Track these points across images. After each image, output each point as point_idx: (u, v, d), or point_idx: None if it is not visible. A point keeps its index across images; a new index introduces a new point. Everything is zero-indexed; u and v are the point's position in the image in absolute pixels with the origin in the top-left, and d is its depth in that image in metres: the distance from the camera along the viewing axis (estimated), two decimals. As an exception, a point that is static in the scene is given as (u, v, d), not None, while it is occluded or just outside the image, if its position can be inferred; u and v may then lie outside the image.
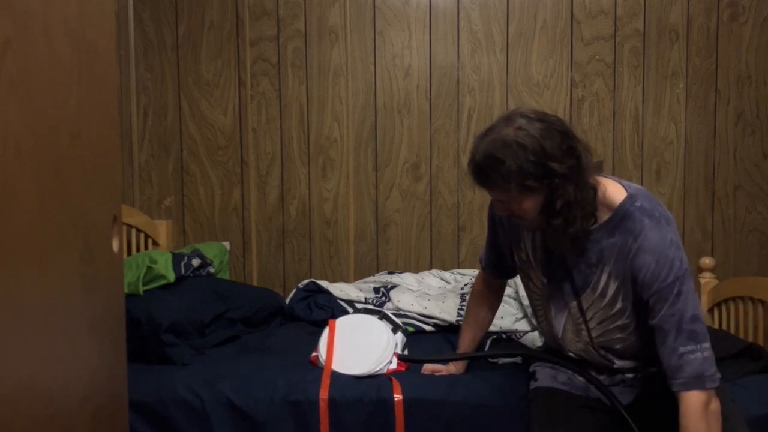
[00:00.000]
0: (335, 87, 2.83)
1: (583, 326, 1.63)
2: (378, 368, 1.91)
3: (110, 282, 1.34)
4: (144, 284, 2.20)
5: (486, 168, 1.46)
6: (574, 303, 1.61)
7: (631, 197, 1.51)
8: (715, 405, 1.44)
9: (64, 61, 1.12)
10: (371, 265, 2.88)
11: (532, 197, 1.47)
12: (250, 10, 2.83)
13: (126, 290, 2.13)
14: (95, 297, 1.25)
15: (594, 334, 1.63)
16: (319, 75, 2.84)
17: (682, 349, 1.43)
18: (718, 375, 1.46)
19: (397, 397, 1.84)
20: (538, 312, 1.76)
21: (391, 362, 1.93)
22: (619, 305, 1.56)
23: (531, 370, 1.82)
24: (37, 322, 1.04)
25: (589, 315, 1.61)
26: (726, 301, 2.37)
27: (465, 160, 2.83)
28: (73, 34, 1.15)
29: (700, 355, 1.43)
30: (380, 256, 2.89)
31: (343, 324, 2.04)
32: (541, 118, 1.47)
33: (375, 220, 2.87)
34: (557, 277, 1.62)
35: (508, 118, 1.48)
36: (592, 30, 2.78)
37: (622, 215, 1.50)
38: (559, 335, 1.70)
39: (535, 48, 2.79)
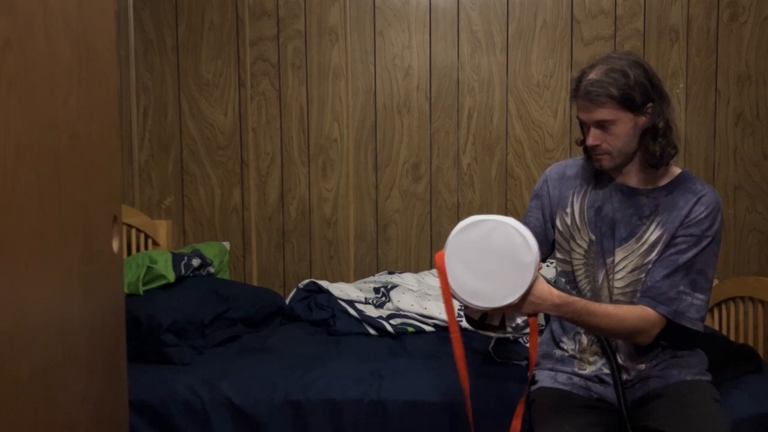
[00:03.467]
0: (335, 87, 2.83)
1: (612, 279, 1.68)
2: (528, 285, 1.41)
3: (110, 282, 1.34)
4: (144, 284, 2.20)
5: (606, 82, 1.57)
6: (611, 259, 1.68)
7: (687, 171, 1.69)
8: (650, 335, 1.58)
9: (64, 61, 1.12)
10: (371, 265, 2.88)
11: (634, 119, 1.59)
12: (250, 10, 2.83)
13: (126, 290, 2.13)
14: (95, 297, 1.25)
15: (618, 285, 1.67)
16: (319, 75, 2.83)
17: (682, 288, 1.59)
18: (700, 324, 1.60)
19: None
20: (578, 282, 1.75)
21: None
22: (655, 252, 1.64)
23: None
24: (38, 322, 1.04)
25: (620, 266, 1.66)
26: (726, 301, 2.37)
27: (465, 160, 2.86)
28: (73, 34, 1.15)
29: (690, 299, 1.59)
30: (380, 256, 2.89)
31: (455, 252, 1.46)
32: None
33: (375, 220, 2.87)
34: (602, 232, 1.69)
35: (608, 57, 1.65)
36: (592, 30, 2.78)
37: (683, 179, 1.66)
38: (597, 295, 1.72)
39: (535, 48, 2.79)
